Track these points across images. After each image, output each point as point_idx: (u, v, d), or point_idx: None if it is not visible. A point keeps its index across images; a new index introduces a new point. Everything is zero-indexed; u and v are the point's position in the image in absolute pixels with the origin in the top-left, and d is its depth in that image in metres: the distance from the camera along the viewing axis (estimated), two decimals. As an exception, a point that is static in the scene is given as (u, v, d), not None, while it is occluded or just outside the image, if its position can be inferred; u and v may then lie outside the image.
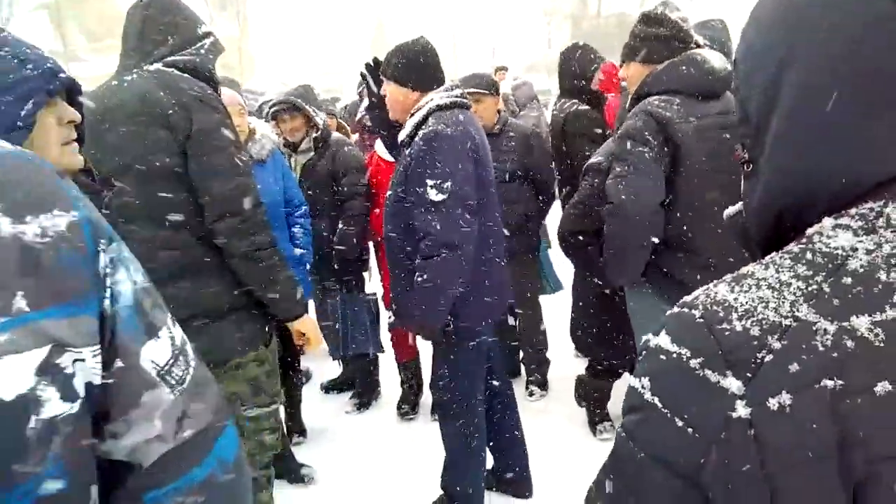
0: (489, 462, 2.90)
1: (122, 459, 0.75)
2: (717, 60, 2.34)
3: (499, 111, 3.63)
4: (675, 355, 0.56)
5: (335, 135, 3.71)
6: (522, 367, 4.02)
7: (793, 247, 0.59)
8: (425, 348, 3.10)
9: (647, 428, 0.56)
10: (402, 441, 3.56)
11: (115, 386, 0.72)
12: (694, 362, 0.54)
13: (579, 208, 2.92)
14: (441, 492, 2.80)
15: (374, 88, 2.76)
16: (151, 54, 2.02)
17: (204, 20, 2.20)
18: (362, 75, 2.79)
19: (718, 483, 0.52)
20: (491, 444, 2.88)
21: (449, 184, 2.29)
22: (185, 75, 2.00)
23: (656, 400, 0.56)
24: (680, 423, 0.53)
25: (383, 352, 3.83)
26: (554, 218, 4.14)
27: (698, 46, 2.45)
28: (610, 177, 2.37)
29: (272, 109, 3.45)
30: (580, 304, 3.50)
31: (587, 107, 3.72)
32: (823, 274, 0.54)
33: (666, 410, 0.55)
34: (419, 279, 2.35)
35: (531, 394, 3.84)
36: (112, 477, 0.77)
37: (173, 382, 0.76)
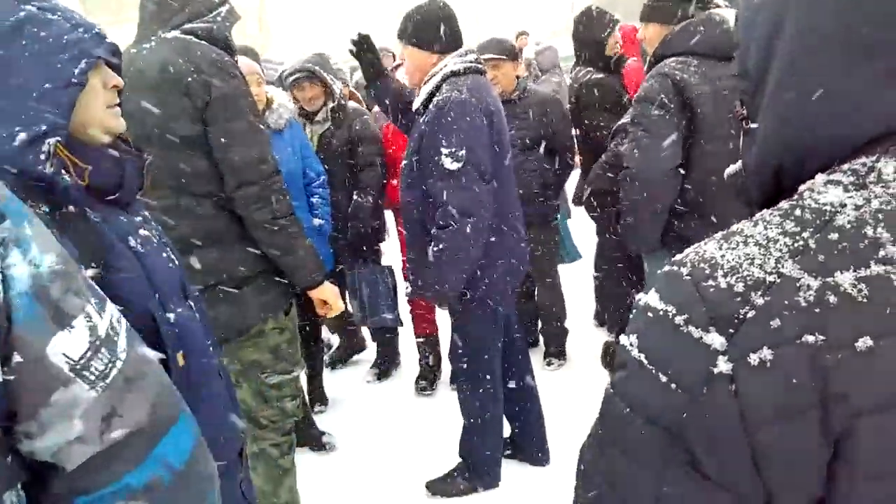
0: (506, 430, 2.94)
1: (48, 461, 0.70)
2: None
3: (518, 77, 3.59)
4: (661, 312, 0.56)
5: (351, 104, 3.69)
6: (541, 337, 4.03)
7: (783, 203, 0.58)
8: (444, 323, 3.13)
9: (632, 383, 0.57)
10: (421, 411, 3.60)
11: (16, 383, 0.65)
12: (679, 319, 0.54)
13: (605, 168, 2.91)
14: (459, 459, 2.84)
15: (362, 69, 2.74)
16: (169, 22, 2.02)
17: None
18: (351, 52, 2.73)
19: (700, 437, 0.52)
20: (508, 413, 2.91)
21: (464, 152, 2.28)
22: (203, 42, 2.00)
23: (642, 356, 0.56)
24: (664, 379, 0.54)
25: (402, 325, 3.86)
26: (571, 187, 4.13)
27: (717, 7, 2.39)
28: (626, 140, 2.35)
29: (291, 78, 3.42)
30: (605, 268, 3.49)
31: (602, 75, 3.65)
32: (811, 230, 0.54)
33: (651, 367, 0.55)
34: (435, 248, 2.36)
35: (549, 363, 3.85)
36: (41, 479, 0.71)
37: (93, 378, 0.69)
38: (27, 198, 1.04)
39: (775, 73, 0.61)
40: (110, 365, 0.70)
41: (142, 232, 1.26)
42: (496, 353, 2.69)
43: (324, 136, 3.53)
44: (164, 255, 1.31)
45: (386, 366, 4.06)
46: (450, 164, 2.29)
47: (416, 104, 2.51)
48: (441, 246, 2.35)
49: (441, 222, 2.34)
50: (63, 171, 1.12)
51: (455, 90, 2.34)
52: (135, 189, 1.28)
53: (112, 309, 0.79)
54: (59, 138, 1.10)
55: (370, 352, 4.20)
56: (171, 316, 1.23)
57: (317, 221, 3.26)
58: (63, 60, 1.12)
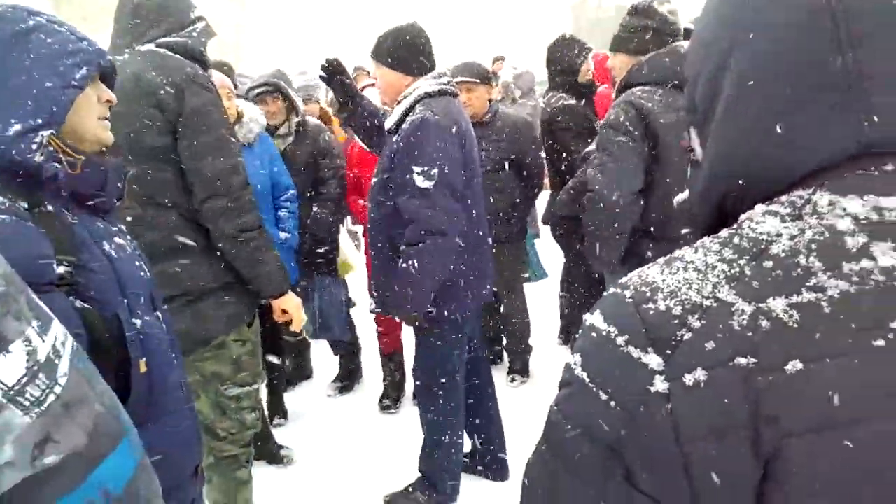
0: (467, 446, 2.94)
1: None
2: None
3: (490, 100, 3.64)
4: (604, 333, 0.58)
5: (312, 120, 3.72)
6: (505, 354, 4.05)
7: (724, 231, 0.61)
8: (410, 340, 3.13)
9: (574, 401, 0.59)
10: (383, 427, 3.59)
11: None
12: (620, 339, 0.56)
13: (570, 194, 2.97)
14: (419, 474, 2.83)
15: (335, 93, 2.76)
16: (144, 35, 2.03)
17: (197, 3, 2.21)
18: (322, 78, 2.76)
19: (637, 453, 0.54)
20: (469, 428, 2.92)
21: (436, 171, 2.30)
22: (177, 56, 2.01)
23: (584, 375, 0.58)
24: (604, 397, 0.56)
25: (354, 340, 3.85)
26: (541, 207, 4.18)
27: (684, 40, 2.47)
28: (591, 165, 2.41)
29: (254, 92, 3.45)
30: (571, 289, 3.53)
31: (573, 101, 3.72)
32: (747, 257, 0.56)
33: (592, 385, 0.57)
34: (404, 264, 2.37)
35: (512, 380, 3.87)
36: None
37: (27, 404, 0.66)
38: (6, 192, 1.10)
39: (721, 107, 0.64)
40: (47, 391, 0.68)
41: (116, 240, 1.29)
42: (459, 369, 2.70)
43: (287, 150, 3.53)
44: (137, 263, 1.33)
45: (348, 380, 4.04)
46: (422, 183, 2.31)
47: (389, 124, 2.53)
48: (410, 263, 2.36)
49: (412, 239, 2.36)
50: (53, 162, 1.16)
51: (429, 111, 2.37)
52: (114, 197, 1.31)
53: (58, 330, 0.76)
54: (52, 131, 1.17)
55: (332, 366, 4.16)
56: (138, 322, 1.24)
57: (283, 235, 3.25)
58: (66, 65, 1.19)
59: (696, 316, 0.54)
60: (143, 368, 1.21)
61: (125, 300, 1.24)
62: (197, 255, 2.06)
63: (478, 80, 3.49)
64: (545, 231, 4.64)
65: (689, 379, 0.52)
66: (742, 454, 0.52)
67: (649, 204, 2.37)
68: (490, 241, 2.73)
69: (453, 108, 2.46)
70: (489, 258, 2.71)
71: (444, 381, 2.65)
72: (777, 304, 0.53)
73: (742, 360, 0.51)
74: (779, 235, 0.56)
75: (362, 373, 4.13)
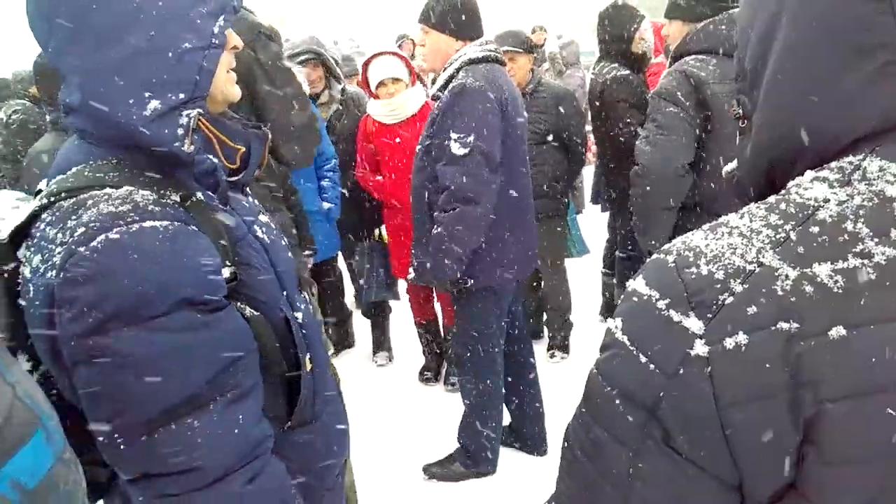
0: (506, 419, 2.97)
1: None
2: None
3: (532, 70, 3.60)
4: (645, 297, 0.58)
5: (353, 89, 3.71)
6: (545, 330, 4.05)
7: (771, 198, 0.60)
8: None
9: (614, 363, 0.59)
10: (423, 398, 3.65)
11: None
12: (661, 303, 0.57)
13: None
14: (458, 445, 2.88)
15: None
16: None
17: None
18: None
19: (675, 416, 0.55)
20: (509, 402, 2.94)
21: (472, 138, 2.30)
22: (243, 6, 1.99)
23: (625, 338, 0.58)
24: (643, 360, 0.56)
25: (399, 299, 3.88)
26: (588, 181, 4.14)
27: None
28: (640, 137, 2.36)
29: (298, 59, 3.40)
30: (613, 266, 3.47)
31: (628, 71, 3.63)
32: (793, 223, 0.55)
33: (632, 348, 0.57)
34: (436, 231, 2.38)
35: (552, 356, 3.88)
36: None
37: None
38: (149, 182, 0.92)
39: (770, 72, 0.63)
40: None
41: (261, 217, 1.10)
42: (499, 342, 2.71)
43: (330, 120, 3.52)
44: (283, 242, 1.14)
45: (378, 345, 4.09)
46: (457, 150, 2.31)
47: (434, 89, 2.54)
48: (441, 230, 2.37)
49: (444, 206, 2.37)
50: (207, 155, 0.97)
51: (470, 77, 2.36)
52: (255, 168, 1.09)
53: None
54: (199, 110, 0.93)
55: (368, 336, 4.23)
56: (300, 316, 1.07)
57: (326, 205, 3.28)
58: (202, 15, 0.93)
59: (739, 280, 0.54)
60: (308, 366, 1.05)
61: (285, 293, 1.05)
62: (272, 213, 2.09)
63: (520, 49, 3.45)
64: (587, 206, 4.60)
65: (729, 343, 0.52)
66: (781, 418, 0.52)
67: (701, 178, 2.31)
68: (532, 217, 2.72)
69: (498, 75, 2.45)
70: (533, 231, 2.70)
71: (482, 353, 2.67)
72: (822, 270, 0.52)
73: (784, 325, 0.51)
74: (826, 201, 0.56)
75: (390, 341, 4.16)
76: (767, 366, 0.51)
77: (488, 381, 2.72)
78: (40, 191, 0.97)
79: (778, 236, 0.55)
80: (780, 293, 0.52)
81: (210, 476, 0.86)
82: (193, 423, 0.85)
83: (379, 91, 3.30)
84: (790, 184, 0.61)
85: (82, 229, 0.83)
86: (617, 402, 0.58)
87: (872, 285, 0.51)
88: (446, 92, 2.42)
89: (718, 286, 0.54)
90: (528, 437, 2.99)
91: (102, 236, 0.82)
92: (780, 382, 0.51)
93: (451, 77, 2.44)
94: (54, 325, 0.84)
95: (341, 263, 4.13)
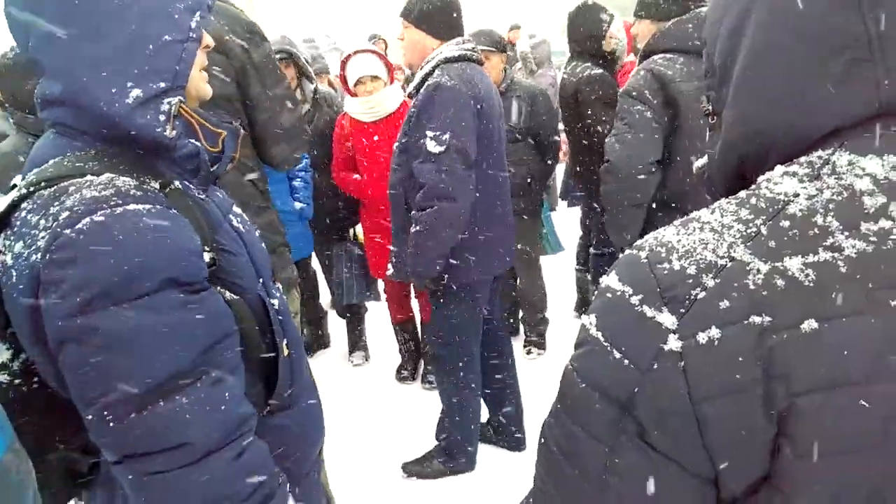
0: (484, 416, 2.97)
1: None
2: None
3: (505, 70, 3.60)
4: (619, 293, 0.58)
5: (325, 89, 3.69)
6: (521, 326, 4.07)
7: (741, 193, 0.61)
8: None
9: (588, 359, 0.59)
10: (400, 397, 3.63)
11: None
12: (634, 299, 0.57)
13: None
14: (436, 443, 2.87)
15: None
16: None
17: None
18: None
19: (649, 411, 0.55)
20: (487, 398, 2.94)
21: (448, 136, 2.30)
22: (231, 5, 1.95)
23: (599, 334, 0.58)
24: (618, 355, 0.56)
25: (379, 300, 3.87)
26: (559, 179, 4.16)
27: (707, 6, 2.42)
28: (609, 135, 2.38)
29: None
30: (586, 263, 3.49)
31: (601, 70, 3.64)
32: (763, 217, 0.56)
33: (606, 343, 0.57)
34: (414, 229, 2.38)
35: (529, 352, 3.89)
36: None
37: None
38: (129, 169, 0.94)
39: (739, 68, 0.63)
40: None
41: (234, 209, 1.14)
42: (475, 339, 2.72)
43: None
44: (257, 233, 1.18)
45: (355, 346, 4.07)
46: (433, 147, 2.31)
47: (411, 87, 2.53)
48: (419, 228, 2.37)
49: (421, 203, 2.37)
50: (189, 139, 1.00)
51: (446, 75, 2.36)
52: (228, 161, 1.12)
53: None
54: (180, 98, 0.97)
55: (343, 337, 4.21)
56: (276, 303, 1.10)
57: (298, 205, 3.25)
58: (180, 10, 0.98)
59: (711, 275, 0.54)
60: (286, 352, 1.08)
61: (261, 280, 1.08)
62: (251, 217, 2.07)
63: (493, 49, 3.45)
64: (561, 204, 4.63)
65: (702, 337, 0.53)
66: (754, 411, 0.52)
67: (669, 175, 2.34)
68: (510, 213, 2.72)
69: (474, 74, 2.44)
70: (510, 229, 2.71)
71: (459, 350, 2.67)
72: (793, 264, 0.53)
73: (757, 319, 0.52)
74: (796, 195, 0.56)
75: (366, 341, 4.14)
76: (740, 359, 0.52)
77: (465, 379, 2.72)
78: (14, 185, 0.97)
79: (749, 231, 0.56)
80: (751, 287, 0.53)
81: (199, 452, 0.87)
82: (182, 401, 0.86)
83: (357, 89, 3.27)
84: (760, 178, 0.61)
85: (66, 213, 0.84)
86: (591, 397, 0.58)
87: (843, 278, 0.52)
88: (422, 90, 2.42)
89: (690, 281, 0.55)
90: (506, 434, 3.00)
91: (87, 219, 0.83)
92: (752, 376, 0.52)
93: (427, 75, 2.44)
94: (39, 309, 0.84)
95: (315, 264, 4.10)
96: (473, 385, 2.76)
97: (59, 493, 0.98)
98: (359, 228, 3.75)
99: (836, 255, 0.53)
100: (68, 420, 0.93)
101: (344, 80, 3.31)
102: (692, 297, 0.54)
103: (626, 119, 2.32)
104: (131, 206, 0.86)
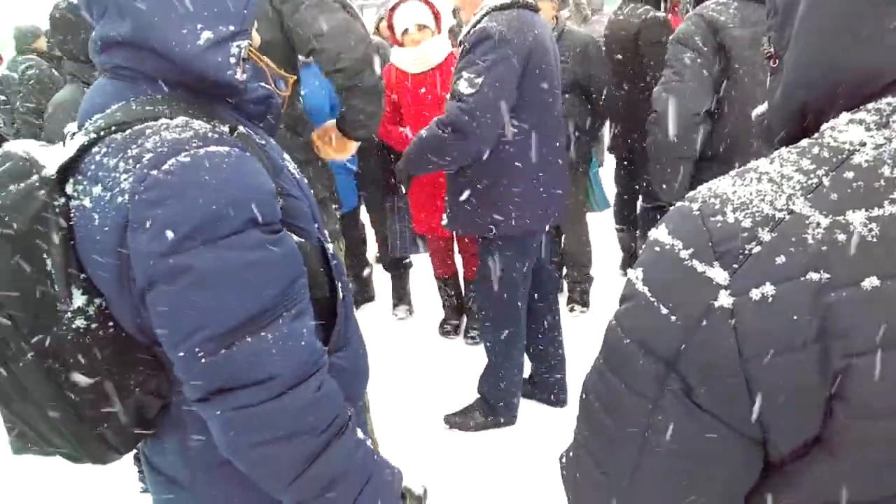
0: (527, 370, 2.98)
1: None
2: None
3: (556, 17, 3.49)
4: (668, 246, 0.56)
5: (375, 38, 3.62)
6: (565, 284, 4.04)
7: (803, 141, 0.57)
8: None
9: (634, 315, 0.58)
10: (443, 351, 3.67)
11: None
12: (684, 253, 0.54)
13: None
14: (478, 396, 2.90)
15: None
16: None
17: None
18: None
19: (696, 367, 0.53)
20: (531, 353, 2.94)
21: (480, 80, 2.27)
22: None
23: (646, 289, 0.56)
24: (664, 311, 0.54)
25: (427, 251, 3.89)
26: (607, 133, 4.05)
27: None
28: (658, 84, 2.30)
29: None
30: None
31: (662, 13, 3.49)
32: (826, 167, 0.53)
33: (653, 299, 0.56)
34: (424, 131, 2.44)
35: (572, 309, 3.87)
36: None
37: None
38: (198, 113, 0.95)
39: (803, 7, 0.59)
40: None
41: (286, 156, 1.14)
42: (523, 292, 2.71)
43: None
44: (305, 181, 1.18)
45: (398, 299, 4.11)
46: (464, 88, 2.30)
47: (462, 36, 2.50)
48: (426, 135, 2.41)
49: (441, 120, 2.37)
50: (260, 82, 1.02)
51: (492, 22, 2.32)
52: (281, 111, 1.14)
53: None
54: (249, 41, 0.98)
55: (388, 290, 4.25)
56: (330, 247, 1.12)
57: (342, 157, 3.25)
58: None
59: (768, 229, 0.51)
60: (341, 294, 1.11)
61: (316, 224, 1.10)
62: (307, 163, 2.06)
63: (544, -4, 3.33)
64: (609, 159, 4.52)
65: (755, 294, 0.50)
66: (808, 371, 0.50)
67: (719, 126, 2.25)
68: (562, 165, 2.67)
69: (525, 21, 2.38)
70: (563, 179, 2.66)
71: (505, 303, 2.67)
72: (856, 218, 0.50)
73: (814, 275, 0.49)
74: (862, 145, 0.53)
75: (410, 295, 4.18)
76: (795, 318, 0.49)
77: (510, 332, 2.72)
78: (72, 133, 0.98)
79: (810, 182, 0.52)
80: (810, 242, 0.50)
81: (285, 384, 0.90)
82: (267, 336, 0.88)
83: (404, 39, 3.22)
84: (824, 126, 0.58)
85: (150, 154, 0.86)
86: (636, 353, 0.56)
87: None
88: (467, 37, 2.39)
89: (745, 235, 0.52)
90: (549, 389, 3.01)
91: (173, 159, 0.85)
92: (808, 335, 0.49)
93: (476, 24, 2.39)
94: (126, 249, 0.86)
95: (363, 217, 4.12)
96: (518, 339, 2.76)
97: (134, 437, 1.01)
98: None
99: None
100: (143, 364, 0.97)
101: (391, 29, 3.25)
102: (746, 252, 0.51)
103: (674, 67, 2.23)
104: (212, 148, 0.88)
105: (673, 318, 0.54)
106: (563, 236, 3.87)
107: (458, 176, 2.54)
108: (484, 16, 2.38)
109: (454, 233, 3.18)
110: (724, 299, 0.51)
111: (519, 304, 2.70)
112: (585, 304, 3.92)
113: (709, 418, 0.54)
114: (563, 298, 3.96)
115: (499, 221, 2.50)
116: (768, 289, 0.50)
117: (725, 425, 0.53)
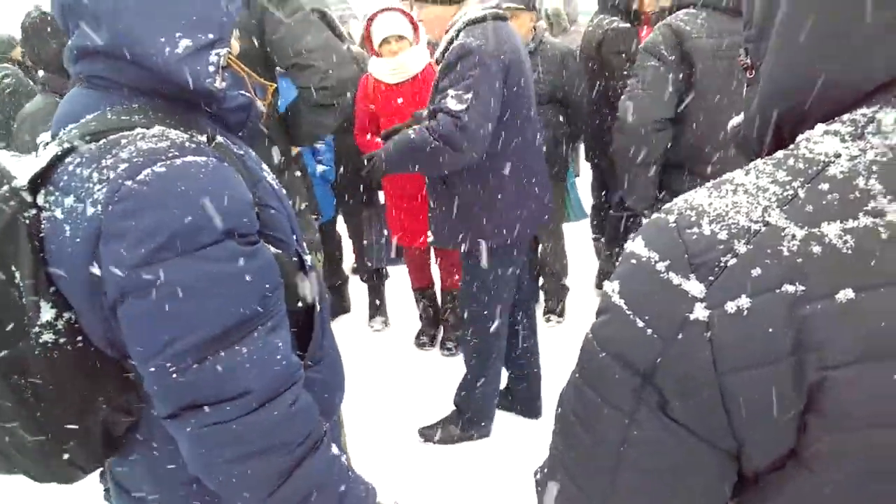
0: (503, 382, 2.97)
1: None
2: None
3: (534, 28, 3.51)
4: (644, 259, 0.55)
5: (355, 48, 3.60)
6: (541, 293, 4.04)
7: (779, 153, 0.57)
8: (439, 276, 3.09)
9: (609, 328, 0.57)
10: (418, 363, 3.64)
11: None
12: (660, 265, 0.54)
13: None
14: (454, 408, 2.88)
15: None
16: None
17: None
18: None
19: (672, 381, 0.52)
20: (508, 363, 2.93)
21: (469, 96, 2.26)
22: None
23: (622, 302, 0.56)
24: (640, 324, 0.54)
25: (390, 263, 3.87)
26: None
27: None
28: (624, 92, 2.34)
29: None
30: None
31: (628, 25, 3.53)
32: (801, 179, 0.52)
33: (629, 312, 0.55)
34: (412, 133, 2.37)
35: (548, 320, 3.87)
36: None
37: None
38: (177, 123, 0.93)
39: (780, 16, 0.59)
40: None
41: (264, 166, 1.12)
42: (506, 303, 2.70)
43: None
44: (283, 191, 1.15)
45: (376, 310, 4.08)
46: (454, 105, 2.28)
47: (437, 54, 2.48)
48: (416, 142, 2.34)
49: (434, 133, 2.32)
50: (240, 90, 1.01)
51: (470, 36, 2.31)
52: (259, 119, 1.12)
53: None
54: (228, 49, 0.98)
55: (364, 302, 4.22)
56: (308, 258, 1.09)
57: (320, 168, 3.23)
58: None
59: (743, 241, 0.51)
60: (318, 307, 1.09)
61: (294, 235, 1.07)
62: (282, 170, 2.04)
63: (521, 6, 3.35)
64: (585, 169, 4.55)
65: (731, 307, 0.50)
66: (784, 384, 0.50)
67: (683, 134, 2.29)
68: (544, 174, 2.67)
69: (501, 33, 2.38)
70: (546, 187, 2.66)
71: (489, 312, 2.66)
72: (831, 229, 0.49)
73: (790, 288, 0.49)
74: (837, 156, 0.53)
75: (386, 307, 4.15)
76: (770, 330, 0.49)
77: (491, 342, 2.71)
78: (45, 143, 0.96)
79: (785, 194, 0.52)
80: (786, 254, 0.50)
81: (259, 399, 0.88)
82: (242, 350, 0.87)
83: (382, 49, 3.21)
84: (800, 138, 0.58)
85: (125, 165, 0.84)
86: (612, 367, 0.56)
87: (884, 245, 0.48)
88: (446, 54, 2.37)
89: (721, 247, 0.51)
90: (524, 401, 3.00)
91: (148, 170, 0.83)
92: (783, 348, 0.49)
93: (452, 41, 2.38)
94: (97, 261, 0.84)
95: (340, 228, 4.10)
96: (497, 350, 2.75)
97: (98, 454, 0.98)
98: (381, 194, 3.72)
99: (877, 220, 0.49)
100: (112, 380, 0.94)
101: (369, 39, 3.24)
102: (722, 264, 0.51)
103: (639, 75, 2.28)
104: (189, 158, 0.86)
105: (649, 330, 0.53)
106: (540, 246, 3.88)
107: (443, 190, 2.52)
108: (459, 31, 2.37)
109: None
110: (700, 312, 0.51)
111: (502, 314, 2.70)
112: (561, 314, 3.92)
113: (684, 432, 0.53)
114: (539, 308, 3.96)
115: (486, 233, 2.49)
116: (744, 301, 0.50)
117: (700, 439, 0.53)
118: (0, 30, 5.28)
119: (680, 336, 0.51)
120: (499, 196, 2.47)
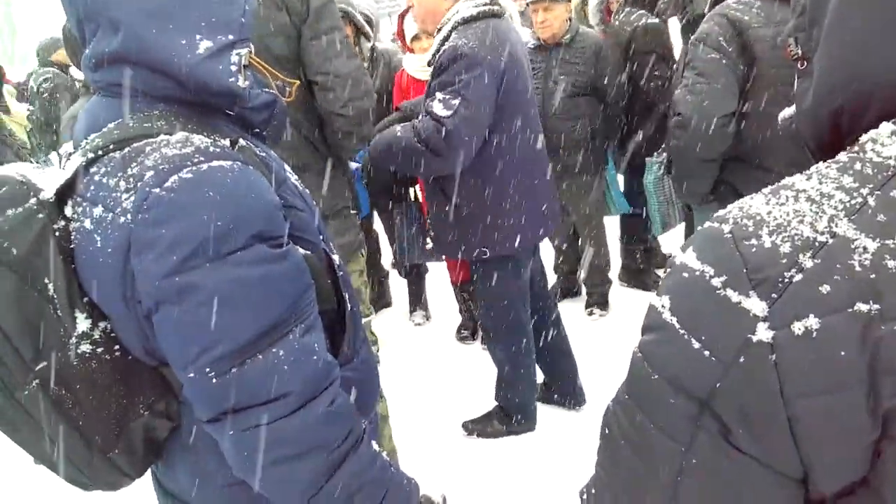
0: (540, 377, 2.94)
1: None
2: None
3: (570, 20, 3.44)
4: (697, 273, 0.51)
5: (384, 46, 3.60)
6: (583, 287, 3.98)
7: (842, 155, 0.53)
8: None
9: (662, 349, 0.53)
10: (460, 356, 3.63)
11: None
12: (716, 281, 0.50)
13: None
14: (496, 403, 2.86)
15: None
16: None
17: None
18: None
19: (734, 408, 0.48)
20: (541, 362, 2.90)
21: (457, 102, 2.19)
22: None
23: (674, 320, 0.52)
24: (696, 345, 0.50)
25: (442, 260, 3.84)
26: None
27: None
28: (679, 86, 2.23)
29: None
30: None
31: (657, 20, 3.42)
32: (870, 186, 0.48)
33: (683, 331, 0.51)
34: (399, 132, 2.31)
35: (591, 313, 3.81)
36: None
37: None
38: (199, 127, 0.93)
39: (834, 2, 0.54)
40: None
41: (287, 168, 1.11)
42: (523, 306, 2.66)
43: None
44: (308, 192, 1.14)
45: (416, 304, 4.08)
46: (440, 110, 2.20)
47: (429, 55, 2.42)
48: (403, 141, 2.28)
49: (418, 132, 2.25)
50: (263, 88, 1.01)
51: (462, 38, 2.21)
52: (283, 123, 1.12)
53: None
54: (249, 49, 0.97)
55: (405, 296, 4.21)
56: (336, 257, 1.09)
57: (353, 165, 3.22)
58: None
59: (809, 254, 0.47)
60: (349, 306, 1.08)
61: (322, 236, 1.07)
62: (314, 178, 2.02)
63: (556, -1, 3.29)
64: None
65: (798, 327, 0.46)
66: (857, 411, 0.46)
67: (744, 128, 2.18)
68: (548, 177, 2.60)
69: (497, 33, 2.27)
70: (549, 192, 2.59)
71: (508, 320, 2.63)
72: None
73: (863, 307, 0.45)
74: None
75: (427, 301, 4.14)
76: (843, 353, 0.45)
77: (516, 344, 2.68)
78: (70, 154, 0.96)
79: (853, 202, 0.48)
80: (857, 269, 0.45)
81: (297, 402, 0.88)
82: (278, 352, 0.86)
83: (413, 45, 3.19)
84: (864, 138, 0.53)
85: (151, 172, 0.83)
86: (665, 391, 0.52)
87: None
88: (438, 57, 2.28)
89: (784, 261, 0.47)
90: (565, 393, 2.96)
91: (175, 176, 0.83)
92: (856, 372, 0.45)
93: (444, 41, 2.29)
94: (130, 271, 0.84)
95: (377, 224, 4.10)
96: (525, 349, 2.71)
97: (143, 460, 0.99)
98: (418, 188, 3.69)
99: None
100: (152, 386, 0.95)
101: (401, 35, 3.23)
102: (786, 280, 0.47)
103: (697, 68, 2.15)
104: (215, 163, 0.86)
105: (706, 353, 0.49)
106: (581, 240, 3.82)
107: (443, 199, 2.46)
108: (451, 30, 2.27)
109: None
110: (763, 333, 0.47)
111: (521, 315, 2.65)
112: (604, 307, 3.85)
113: (748, 460, 0.49)
114: (581, 302, 3.91)
115: (490, 243, 2.44)
116: (812, 322, 0.45)
117: (766, 468, 0.49)
118: (44, 33, 5.43)
119: (742, 359, 0.48)
120: (498, 204, 2.39)
